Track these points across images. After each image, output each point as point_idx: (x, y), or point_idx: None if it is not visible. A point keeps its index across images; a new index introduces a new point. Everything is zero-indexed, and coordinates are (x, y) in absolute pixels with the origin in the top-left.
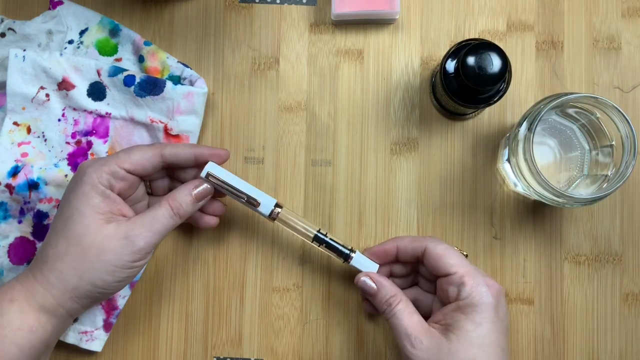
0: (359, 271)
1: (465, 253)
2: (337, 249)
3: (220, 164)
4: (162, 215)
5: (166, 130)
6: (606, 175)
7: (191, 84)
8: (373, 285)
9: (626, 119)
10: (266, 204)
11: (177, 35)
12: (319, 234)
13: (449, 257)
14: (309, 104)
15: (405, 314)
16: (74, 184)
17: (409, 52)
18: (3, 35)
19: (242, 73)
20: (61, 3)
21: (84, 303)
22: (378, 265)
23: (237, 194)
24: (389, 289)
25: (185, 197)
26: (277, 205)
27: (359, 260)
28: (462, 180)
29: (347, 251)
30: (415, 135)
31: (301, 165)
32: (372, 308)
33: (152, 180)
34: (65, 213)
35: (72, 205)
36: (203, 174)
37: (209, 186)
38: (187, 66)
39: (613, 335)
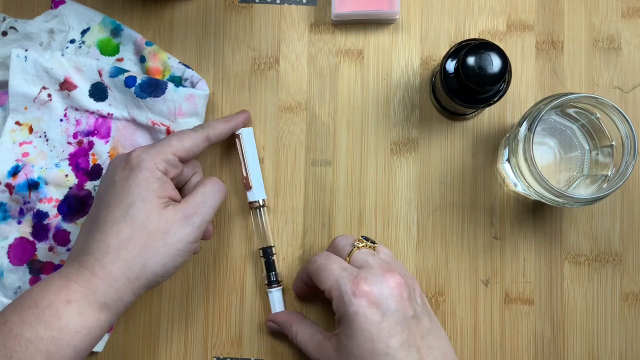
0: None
1: (369, 243)
2: (270, 272)
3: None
4: (211, 191)
5: (168, 133)
6: (606, 175)
7: (192, 85)
8: (275, 325)
9: (626, 119)
10: (256, 193)
11: (177, 35)
12: (268, 249)
13: (320, 274)
14: (309, 104)
15: (306, 340)
16: (129, 171)
17: (409, 52)
18: (5, 34)
19: (242, 73)
20: (63, 2)
21: (139, 293)
22: (284, 309)
23: (243, 166)
24: (287, 323)
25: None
26: (263, 202)
27: (276, 296)
28: (462, 180)
29: (274, 279)
30: (415, 135)
31: (301, 165)
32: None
33: None
34: (125, 200)
35: (133, 191)
36: (238, 131)
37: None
38: (188, 67)
39: (613, 335)
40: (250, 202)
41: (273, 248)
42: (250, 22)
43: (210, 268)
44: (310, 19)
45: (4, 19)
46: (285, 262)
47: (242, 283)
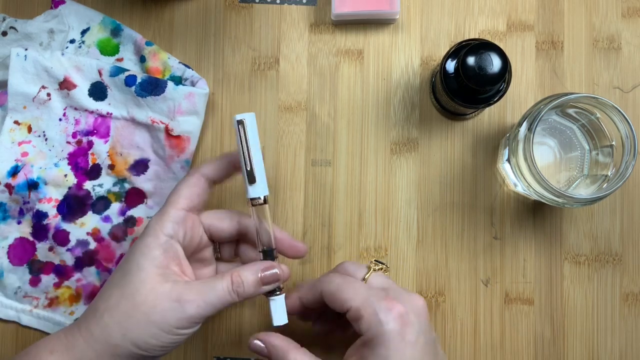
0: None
1: (382, 266)
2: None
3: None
4: (221, 288)
5: (167, 131)
6: (606, 175)
7: (192, 84)
8: (262, 346)
9: (626, 119)
10: (258, 188)
11: (177, 35)
12: (270, 252)
13: (343, 292)
14: (309, 104)
15: None
16: (139, 238)
17: (409, 52)
18: (5, 34)
19: (242, 73)
20: (63, 2)
21: None
22: (287, 321)
23: (246, 158)
24: (279, 348)
25: (251, 276)
26: (265, 199)
27: (278, 302)
28: (462, 180)
29: (272, 291)
30: (415, 135)
31: (301, 165)
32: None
33: (221, 244)
34: (124, 267)
35: (133, 259)
36: (238, 116)
37: (277, 272)
38: (188, 67)
39: (613, 335)
40: (252, 199)
41: (274, 251)
42: (250, 22)
43: None
44: (310, 19)
45: (4, 19)
46: (285, 262)
47: None
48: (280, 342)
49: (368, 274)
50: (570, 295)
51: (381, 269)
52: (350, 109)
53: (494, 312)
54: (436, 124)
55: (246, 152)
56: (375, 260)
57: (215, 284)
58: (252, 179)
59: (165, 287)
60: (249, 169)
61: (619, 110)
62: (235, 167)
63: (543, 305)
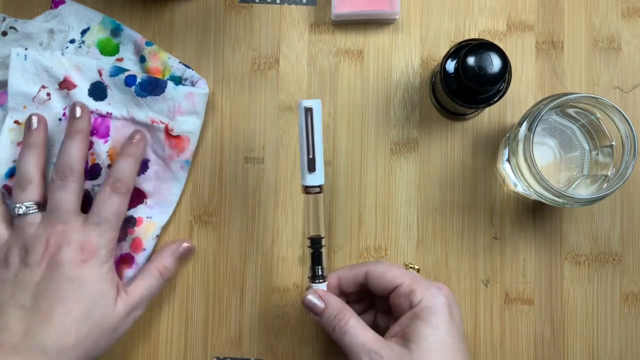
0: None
1: (417, 267)
2: (316, 265)
3: None
4: (155, 285)
5: (167, 131)
6: (606, 175)
7: (192, 84)
8: (320, 302)
9: (626, 119)
10: (318, 176)
11: (177, 35)
12: (318, 239)
13: (392, 271)
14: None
15: (359, 330)
16: (87, 267)
17: (409, 52)
18: (4, 34)
19: (242, 73)
20: (63, 2)
21: None
22: (323, 306)
23: (310, 146)
24: (337, 305)
25: (170, 259)
26: (321, 188)
27: (320, 289)
28: (462, 180)
29: (319, 274)
30: (415, 135)
31: None
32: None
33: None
34: (86, 298)
35: (94, 289)
36: (306, 103)
37: (189, 245)
38: (188, 67)
39: (613, 335)
40: (308, 187)
41: (323, 239)
42: (250, 22)
43: (210, 268)
44: (310, 19)
45: (4, 19)
46: (285, 262)
47: (242, 283)
48: (338, 301)
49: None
50: (570, 295)
51: (413, 268)
52: (350, 109)
53: (494, 312)
54: (436, 124)
55: (310, 140)
56: (406, 263)
57: (149, 284)
58: (312, 168)
59: (119, 307)
60: (311, 156)
61: (619, 110)
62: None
63: (543, 305)
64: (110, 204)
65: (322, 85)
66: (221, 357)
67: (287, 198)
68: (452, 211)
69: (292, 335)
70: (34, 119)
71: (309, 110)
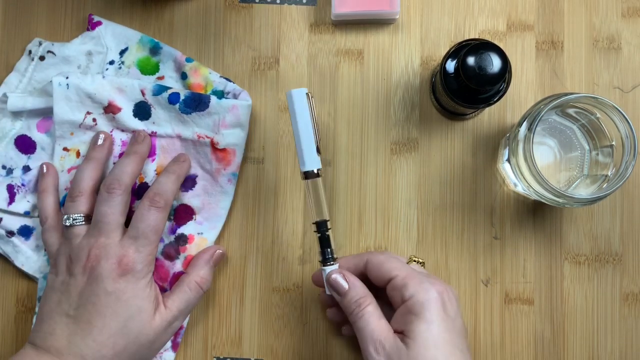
0: (322, 285)
1: (421, 260)
2: (325, 248)
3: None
4: (195, 297)
5: (213, 145)
6: (606, 175)
7: (235, 97)
8: (344, 283)
9: (626, 119)
10: (314, 162)
11: (177, 35)
12: (323, 223)
13: (390, 263)
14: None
15: (374, 318)
16: (125, 282)
17: (409, 52)
18: (42, 58)
19: (242, 73)
20: (100, 23)
21: None
22: (347, 287)
23: (315, 130)
24: (360, 290)
25: (205, 269)
26: (319, 171)
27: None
28: (462, 180)
29: (329, 257)
30: (415, 135)
31: None
32: (337, 316)
33: None
34: (123, 313)
35: (132, 304)
36: (298, 91)
37: (222, 251)
38: (229, 80)
39: (613, 335)
40: (307, 172)
41: (328, 222)
42: (250, 22)
43: None
44: (310, 19)
45: (40, 44)
46: (285, 262)
47: (242, 283)
48: (362, 286)
49: (409, 262)
50: (570, 295)
51: (418, 262)
52: (350, 109)
53: (494, 312)
54: (436, 124)
55: (314, 124)
56: (412, 256)
57: (188, 297)
58: (318, 150)
59: (157, 321)
60: (319, 139)
61: (619, 110)
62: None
63: (543, 305)
64: (148, 218)
65: (322, 85)
66: (221, 357)
67: (287, 198)
68: (452, 211)
69: (292, 335)
70: (101, 136)
71: (308, 96)
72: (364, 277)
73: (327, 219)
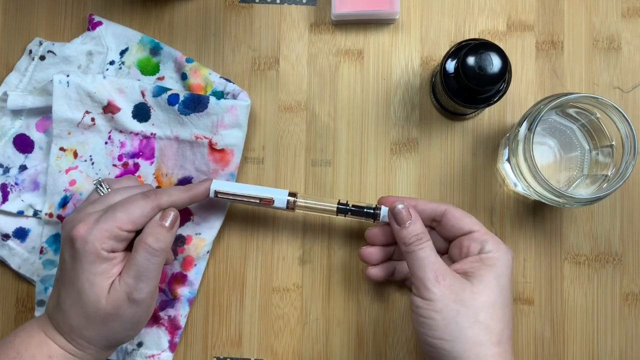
0: (375, 243)
1: None
2: (363, 212)
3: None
4: (145, 260)
5: (211, 146)
6: (606, 175)
7: (234, 98)
8: (408, 215)
9: (626, 119)
10: (280, 199)
11: (177, 35)
12: (340, 206)
13: (470, 218)
14: (309, 104)
15: (433, 252)
16: (76, 254)
17: (409, 52)
18: (42, 58)
19: (242, 73)
20: (100, 23)
21: (118, 349)
22: (411, 219)
23: (249, 200)
24: (421, 226)
25: (159, 229)
26: (290, 195)
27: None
28: (462, 180)
29: (372, 211)
30: (415, 135)
31: (301, 165)
32: (373, 255)
33: None
34: (75, 285)
35: (80, 277)
36: (211, 194)
37: (176, 212)
38: (229, 81)
39: (613, 335)
40: (287, 207)
41: (340, 201)
42: (250, 22)
43: (210, 268)
44: (310, 19)
45: (41, 43)
46: (285, 262)
47: (242, 283)
48: (423, 225)
49: None
50: (570, 295)
51: None
52: (350, 109)
53: None
54: (436, 124)
55: (244, 199)
56: None
57: (138, 262)
58: (270, 202)
59: (113, 294)
60: (259, 201)
61: (619, 110)
62: (193, 202)
63: (543, 305)
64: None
65: (322, 85)
66: (221, 357)
67: None
68: None
69: (292, 335)
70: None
71: (217, 194)
72: (430, 224)
73: (338, 200)
